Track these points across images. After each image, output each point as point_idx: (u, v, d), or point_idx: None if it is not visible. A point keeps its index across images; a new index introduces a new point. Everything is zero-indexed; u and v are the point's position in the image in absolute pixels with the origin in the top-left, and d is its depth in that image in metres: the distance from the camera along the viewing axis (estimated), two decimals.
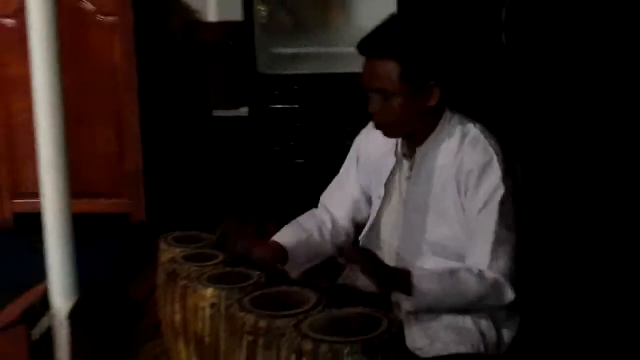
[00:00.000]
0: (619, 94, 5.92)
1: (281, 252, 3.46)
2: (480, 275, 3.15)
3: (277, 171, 6.05)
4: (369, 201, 3.59)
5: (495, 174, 3.21)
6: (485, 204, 3.20)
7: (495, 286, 3.15)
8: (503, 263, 3.17)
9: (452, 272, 3.19)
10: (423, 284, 3.13)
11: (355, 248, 3.41)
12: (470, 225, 3.23)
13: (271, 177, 6.04)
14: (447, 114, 3.31)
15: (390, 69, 3.18)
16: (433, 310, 3.24)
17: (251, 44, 6.09)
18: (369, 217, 3.59)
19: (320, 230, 3.59)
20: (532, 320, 3.51)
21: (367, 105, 3.27)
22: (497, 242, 3.18)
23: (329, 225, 3.61)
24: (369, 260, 3.10)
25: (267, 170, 6.10)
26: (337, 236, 3.61)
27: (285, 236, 3.53)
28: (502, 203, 3.19)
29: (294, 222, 3.63)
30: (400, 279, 3.13)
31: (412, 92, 3.21)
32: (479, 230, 3.21)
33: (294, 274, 3.48)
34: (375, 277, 3.09)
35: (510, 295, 3.17)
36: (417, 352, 3.26)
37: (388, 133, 3.34)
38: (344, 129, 3.85)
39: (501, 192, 3.19)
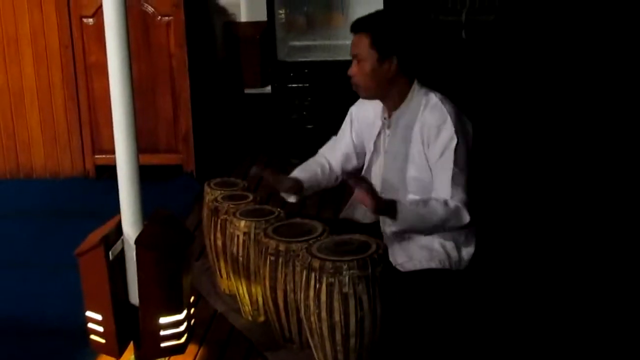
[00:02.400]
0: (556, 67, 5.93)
1: (299, 182, 3.60)
2: (445, 203, 3.20)
3: (293, 134, 6.03)
4: (358, 155, 3.66)
5: (449, 129, 3.28)
6: (443, 152, 3.26)
7: (456, 211, 3.20)
8: (459, 194, 3.22)
9: (425, 202, 3.24)
10: (404, 211, 3.18)
11: (362, 177, 3.44)
12: (433, 168, 3.27)
13: (288, 139, 6.02)
14: (415, 86, 3.40)
15: (363, 39, 3.34)
16: (411, 231, 3.26)
17: (273, 38, 6.04)
18: (357, 165, 3.70)
19: (322, 172, 3.70)
20: (485, 243, 3.50)
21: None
22: (454, 179, 3.25)
23: (327, 169, 3.72)
24: (369, 188, 3.17)
25: (286, 134, 6.08)
26: (330, 178, 3.73)
27: (300, 173, 3.67)
28: (456, 150, 3.25)
29: (303, 165, 3.75)
30: (387, 206, 3.18)
31: (378, 59, 3.32)
32: (439, 171, 3.26)
33: (293, 199, 3.66)
34: (372, 201, 3.13)
35: (466, 217, 3.24)
36: (398, 267, 3.28)
37: (362, 92, 3.47)
38: (343, 102, 3.85)
39: (454, 141, 3.26)
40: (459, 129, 3.27)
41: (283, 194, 3.64)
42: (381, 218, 3.41)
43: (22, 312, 3.94)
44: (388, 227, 3.33)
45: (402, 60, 3.33)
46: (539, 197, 4.94)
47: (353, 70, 3.38)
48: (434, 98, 3.35)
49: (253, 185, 3.92)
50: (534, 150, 5.57)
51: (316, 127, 5.90)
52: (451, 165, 3.23)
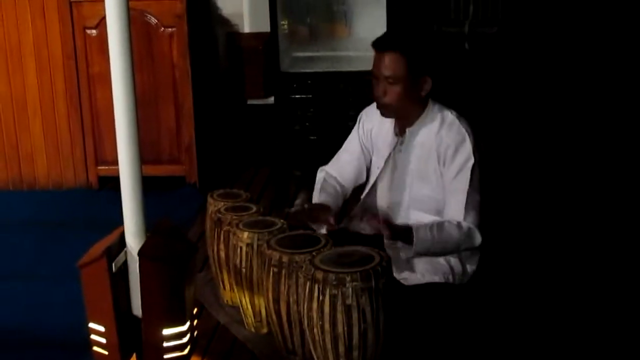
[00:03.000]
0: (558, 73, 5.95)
1: (329, 208, 3.49)
2: (459, 225, 3.17)
3: (296, 145, 6.03)
4: (367, 165, 3.61)
5: (467, 149, 3.24)
6: (459, 171, 3.23)
7: (469, 233, 3.19)
8: (472, 216, 3.20)
9: (439, 225, 3.22)
10: (420, 236, 3.18)
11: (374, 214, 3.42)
12: (447, 187, 3.25)
13: (291, 149, 6.02)
14: (430, 104, 3.34)
15: (397, 60, 3.23)
16: (426, 255, 3.25)
17: (276, 49, 6.06)
18: (366, 180, 3.64)
19: (335, 193, 3.62)
20: (489, 257, 3.49)
21: (373, 89, 3.34)
22: (468, 200, 3.22)
23: (340, 189, 3.66)
24: (384, 216, 3.24)
25: (288, 144, 6.08)
26: (345, 195, 3.67)
27: (323, 198, 3.58)
28: (472, 170, 3.22)
29: (321, 189, 3.65)
30: (403, 232, 3.19)
31: (413, 81, 3.25)
32: (454, 191, 3.23)
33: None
34: (388, 231, 3.17)
35: (479, 239, 3.24)
36: (402, 281, 3.26)
37: (386, 113, 3.37)
38: (345, 113, 3.85)
39: (471, 161, 3.23)
40: (476, 149, 3.25)
41: (315, 226, 3.53)
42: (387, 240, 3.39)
43: (24, 323, 3.94)
44: (402, 251, 3.32)
45: (435, 80, 3.29)
46: (543, 209, 4.93)
47: (386, 92, 3.28)
48: (449, 116, 3.33)
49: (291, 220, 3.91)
50: (538, 161, 5.57)
51: (319, 138, 5.91)
52: (466, 186, 3.22)
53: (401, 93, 3.26)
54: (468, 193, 3.21)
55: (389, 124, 3.47)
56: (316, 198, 3.60)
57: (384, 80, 3.27)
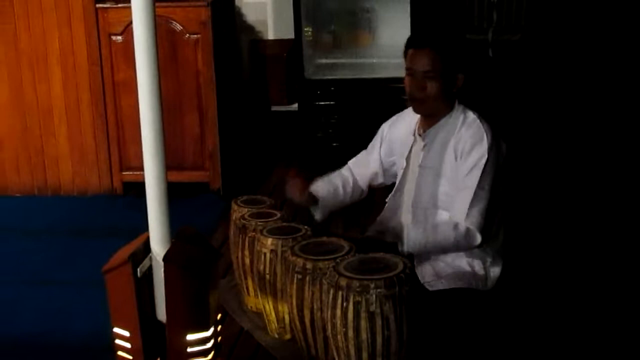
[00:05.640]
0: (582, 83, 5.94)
1: (315, 199, 3.62)
2: (456, 226, 3.22)
3: (319, 152, 6.04)
4: (385, 172, 3.67)
5: (483, 147, 3.28)
6: (472, 168, 3.27)
7: (466, 234, 3.23)
8: (475, 216, 3.23)
9: (434, 226, 3.30)
10: (411, 236, 3.25)
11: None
12: (457, 184, 3.27)
13: (314, 156, 6.03)
14: (456, 103, 3.39)
15: (435, 56, 3.31)
16: (423, 252, 3.33)
17: (300, 56, 6.07)
18: (384, 182, 3.75)
19: (344, 187, 3.71)
20: (513, 262, 3.48)
21: (407, 86, 3.40)
22: (474, 200, 3.25)
23: (350, 184, 3.73)
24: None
25: (312, 151, 6.09)
26: (354, 193, 3.74)
27: (319, 188, 3.66)
28: (484, 169, 3.25)
29: (326, 177, 3.74)
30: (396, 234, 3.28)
31: (447, 76, 3.33)
32: (463, 188, 3.28)
33: (318, 216, 3.68)
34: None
35: (478, 239, 3.25)
36: (426, 286, 3.27)
37: (421, 108, 3.45)
38: (368, 120, 3.85)
39: (484, 159, 3.26)
40: (493, 148, 3.27)
41: (311, 209, 3.66)
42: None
43: (48, 329, 3.96)
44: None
45: (466, 77, 3.37)
46: (568, 215, 4.91)
47: (424, 86, 3.34)
48: (471, 115, 3.37)
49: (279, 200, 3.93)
50: (563, 168, 5.55)
51: (342, 145, 5.91)
52: (475, 184, 3.23)
53: (439, 87, 3.33)
54: (475, 192, 3.23)
55: (406, 125, 3.55)
56: (317, 182, 3.70)
57: (421, 75, 3.32)
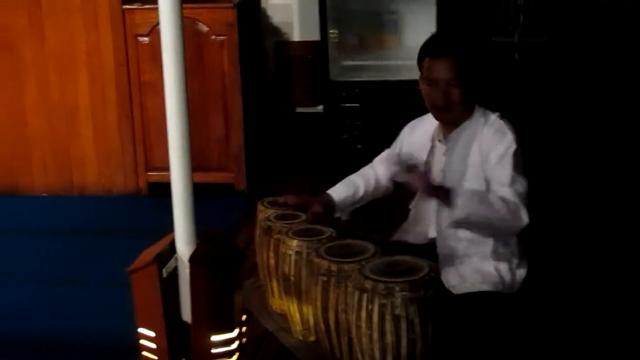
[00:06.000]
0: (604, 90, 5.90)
1: (330, 203, 3.60)
2: (503, 199, 3.10)
3: (344, 154, 6.04)
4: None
5: (508, 138, 3.24)
6: (501, 157, 3.22)
7: (515, 209, 3.10)
8: (520, 187, 3.13)
9: (482, 194, 3.18)
10: (464, 197, 3.13)
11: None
12: (489, 175, 3.22)
13: (339, 158, 6.03)
14: (476, 107, 3.36)
15: (455, 63, 3.27)
16: (468, 223, 3.20)
17: (325, 57, 6.08)
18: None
19: (365, 186, 3.67)
20: (539, 267, 3.46)
21: (427, 96, 3.37)
22: (513, 180, 3.15)
23: (373, 182, 3.69)
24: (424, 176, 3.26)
25: (336, 153, 6.09)
26: (377, 191, 3.71)
27: (335, 193, 3.64)
28: (515, 155, 3.20)
29: (347, 178, 3.72)
30: (442, 190, 3.17)
31: (468, 81, 3.29)
32: (496, 176, 3.19)
33: (343, 216, 3.68)
34: (424, 183, 3.20)
35: (525, 219, 3.12)
36: (451, 289, 3.24)
37: (446, 116, 3.41)
38: (393, 122, 3.84)
39: (513, 148, 3.22)
40: (519, 140, 3.24)
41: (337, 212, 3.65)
42: (438, 237, 3.38)
43: (72, 329, 3.97)
44: (445, 225, 3.29)
45: (484, 82, 3.34)
46: (592, 217, 4.88)
47: (448, 94, 3.30)
48: (492, 116, 3.35)
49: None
50: (587, 170, 5.52)
51: (366, 147, 5.90)
52: (510, 169, 3.17)
53: (462, 93, 3.28)
54: (512, 175, 3.16)
55: (424, 131, 3.53)
56: (337, 186, 3.68)
57: (444, 83, 3.29)
